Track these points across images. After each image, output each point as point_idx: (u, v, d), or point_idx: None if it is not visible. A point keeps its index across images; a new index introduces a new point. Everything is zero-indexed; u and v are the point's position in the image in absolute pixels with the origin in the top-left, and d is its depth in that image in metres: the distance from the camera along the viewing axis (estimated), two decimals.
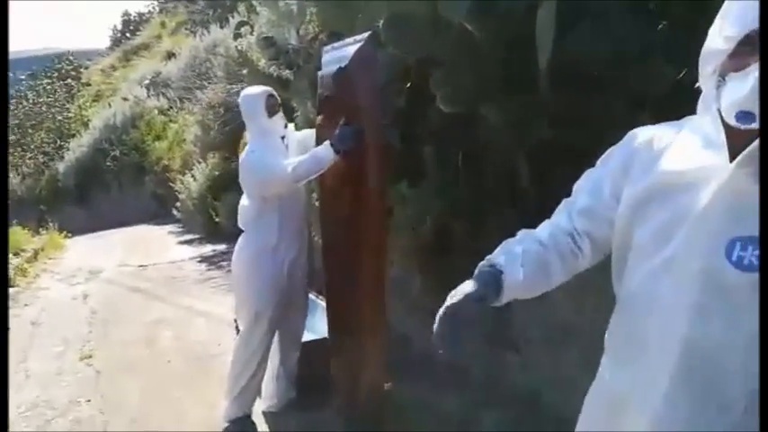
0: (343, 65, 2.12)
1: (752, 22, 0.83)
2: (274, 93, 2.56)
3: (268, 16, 4.91)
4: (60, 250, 8.31)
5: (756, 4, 0.82)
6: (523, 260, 1.08)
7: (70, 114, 17.02)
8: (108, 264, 6.83)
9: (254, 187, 2.51)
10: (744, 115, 0.83)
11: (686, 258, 0.88)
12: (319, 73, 2.35)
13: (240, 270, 2.60)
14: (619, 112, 1.74)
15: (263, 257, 2.52)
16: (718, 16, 0.90)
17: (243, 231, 2.62)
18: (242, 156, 2.52)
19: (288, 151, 2.55)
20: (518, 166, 2.12)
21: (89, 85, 19.76)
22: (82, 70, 21.02)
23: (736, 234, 0.84)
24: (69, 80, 19.08)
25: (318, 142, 2.33)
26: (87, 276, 6.42)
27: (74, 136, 15.34)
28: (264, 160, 2.42)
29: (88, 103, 17.57)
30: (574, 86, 1.91)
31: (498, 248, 1.12)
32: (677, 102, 1.71)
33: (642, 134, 1.05)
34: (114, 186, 12.39)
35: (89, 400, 3.33)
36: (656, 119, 1.69)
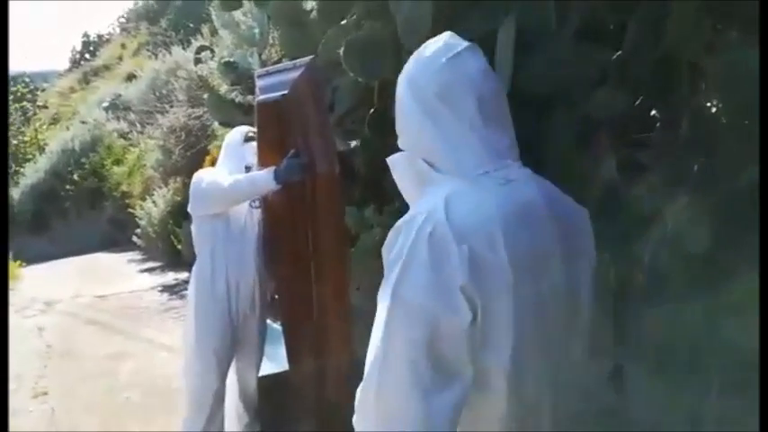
0: (285, 91, 2.04)
1: None
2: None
3: (230, 40, 4.90)
4: (15, 280, 7.98)
5: None
6: None
7: (26, 138, 16.57)
8: (64, 294, 6.60)
9: (191, 205, 2.45)
10: None
11: None
12: (256, 99, 2.22)
13: (188, 297, 2.55)
14: (574, 137, 1.77)
15: (201, 284, 2.44)
16: None
17: None
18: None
19: None
20: None
21: (46, 107, 19.30)
22: (38, 92, 20.54)
23: None
24: (25, 103, 18.61)
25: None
26: (42, 308, 6.18)
27: (29, 160, 14.90)
28: (204, 179, 2.37)
29: (45, 127, 17.15)
30: (531, 111, 1.94)
31: None
32: (631, 127, 1.77)
33: None
34: (72, 212, 12.04)
35: None
36: (613, 143, 1.74)
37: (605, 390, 1.84)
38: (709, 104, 1.64)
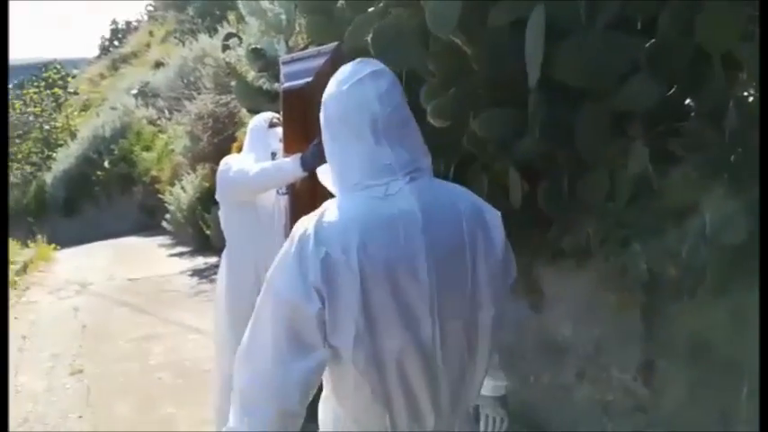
0: (309, 78, 2.03)
1: None
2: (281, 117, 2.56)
3: (257, 27, 4.91)
4: (49, 262, 8.23)
5: None
6: None
7: (57, 124, 16.91)
8: (97, 277, 6.77)
9: (219, 192, 2.48)
10: None
11: None
12: (281, 86, 2.23)
13: (219, 283, 2.58)
14: (605, 128, 1.75)
15: (231, 270, 2.48)
16: None
17: None
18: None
19: None
20: (508, 180, 2.13)
21: (77, 94, 19.64)
22: (69, 79, 20.89)
23: None
24: (56, 89, 18.94)
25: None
26: (77, 290, 6.36)
27: (61, 146, 15.24)
28: (233, 166, 2.40)
29: (76, 113, 17.47)
30: (561, 101, 1.92)
31: None
32: (664, 117, 1.74)
33: None
34: (103, 197, 12.30)
35: (80, 416, 3.30)
36: (644, 134, 1.72)
37: (634, 384, 1.84)
38: (746, 94, 1.60)
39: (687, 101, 1.76)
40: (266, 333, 1.02)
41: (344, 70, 1.10)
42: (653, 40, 1.60)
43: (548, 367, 2.24)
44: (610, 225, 1.79)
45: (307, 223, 1.02)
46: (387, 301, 0.99)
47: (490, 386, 1.32)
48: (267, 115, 2.62)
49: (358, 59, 1.12)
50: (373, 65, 1.09)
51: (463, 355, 1.07)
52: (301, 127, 2.17)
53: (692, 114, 1.73)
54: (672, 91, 1.68)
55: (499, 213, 1.10)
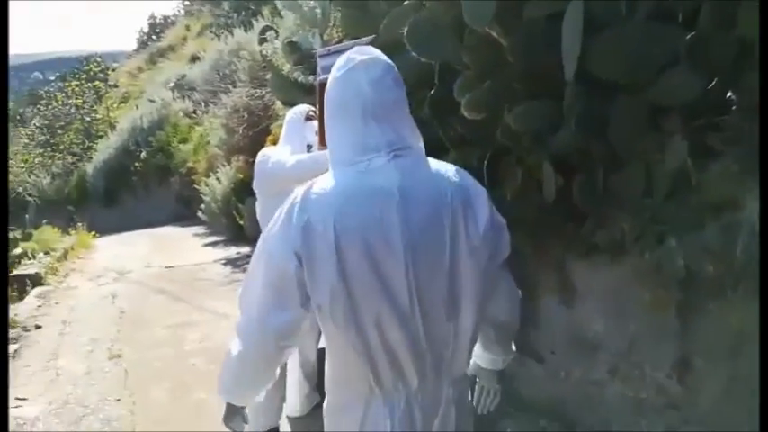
0: None
1: None
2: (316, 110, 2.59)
3: (293, 20, 4.97)
4: (89, 250, 8.49)
5: None
6: None
7: (98, 116, 17.38)
8: (134, 264, 6.95)
9: (256, 183, 2.54)
10: None
11: None
12: (318, 78, 2.27)
13: None
14: (642, 122, 1.72)
15: None
16: None
17: None
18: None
19: None
20: (542, 173, 2.11)
21: (116, 86, 20.15)
22: (109, 72, 21.44)
23: None
24: (97, 82, 19.48)
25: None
26: (115, 276, 6.55)
27: (101, 137, 15.67)
28: (270, 158, 2.45)
29: (115, 105, 17.92)
30: (597, 93, 1.89)
31: None
32: (703, 111, 1.70)
33: None
34: (140, 188, 12.62)
35: (118, 399, 3.40)
36: (683, 128, 1.68)
37: (668, 382, 1.81)
38: None
39: (728, 94, 1.72)
40: (256, 286, 1.18)
41: (342, 58, 1.22)
42: (693, 33, 1.56)
43: (579, 363, 2.22)
44: (646, 220, 1.77)
45: (297, 193, 1.16)
46: (362, 267, 1.10)
47: (488, 359, 1.41)
48: (303, 108, 2.66)
49: (355, 48, 1.23)
50: (368, 53, 1.20)
51: (444, 324, 1.16)
52: None
53: (734, 108, 1.69)
54: (712, 84, 1.64)
55: (485, 191, 1.20)
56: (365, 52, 1.20)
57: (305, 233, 1.10)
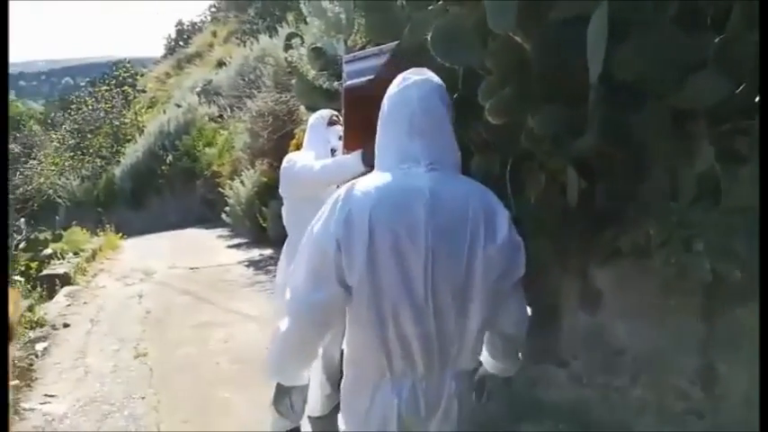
0: (371, 76, 2.09)
1: None
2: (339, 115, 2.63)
3: (317, 26, 5.02)
4: (116, 251, 8.67)
5: None
6: None
7: (126, 120, 17.74)
8: (160, 265, 7.08)
9: (282, 187, 2.57)
10: None
11: None
12: (343, 84, 2.31)
13: (279, 274, 2.67)
14: (667, 126, 1.71)
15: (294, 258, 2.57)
16: None
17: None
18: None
19: None
20: (565, 177, 2.11)
21: (144, 91, 20.57)
22: (138, 77, 21.90)
23: None
24: (126, 87, 19.89)
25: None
26: (141, 277, 6.67)
27: (129, 141, 15.99)
28: (297, 162, 2.48)
29: (143, 110, 18.28)
30: (621, 97, 1.88)
31: None
32: (731, 115, 1.68)
33: None
34: (167, 190, 12.85)
35: (143, 397, 3.47)
36: (709, 132, 1.66)
37: (692, 388, 1.79)
38: None
39: (756, 99, 1.69)
40: (302, 266, 1.31)
41: (401, 76, 1.37)
42: (723, 35, 1.55)
43: (601, 368, 2.20)
44: (672, 225, 1.75)
45: (343, 188, 1.29)
46: (388, 257, 1.22)
47: (495, 367, 1.51)
48: (326, 113, 2.69)
49: (413, 69, 1.38)
50: (421, 74, 1.36)
51: (453, 324, 1.27)
52: (362, 123, 2.22)
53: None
54: (740, 88, 1.62)
55: (508, 212, 1.30)
56: (420, 73, 1.36)
57: (346, 223, 1.22)
